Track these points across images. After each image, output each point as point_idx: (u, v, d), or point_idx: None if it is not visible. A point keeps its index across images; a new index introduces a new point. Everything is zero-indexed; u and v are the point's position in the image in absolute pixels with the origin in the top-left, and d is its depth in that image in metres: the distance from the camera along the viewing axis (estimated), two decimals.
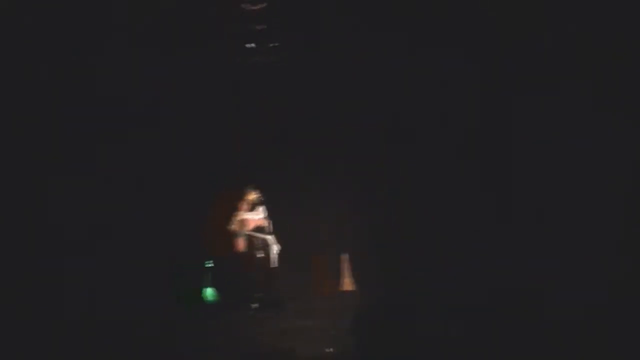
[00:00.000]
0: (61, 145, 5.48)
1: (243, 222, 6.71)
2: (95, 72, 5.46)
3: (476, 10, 5.04)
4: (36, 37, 5.11)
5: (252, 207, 6.74)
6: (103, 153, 5.76)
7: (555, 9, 4.94)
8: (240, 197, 6.74)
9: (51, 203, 5.37)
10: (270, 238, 6.75)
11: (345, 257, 6.90)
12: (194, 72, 6.04)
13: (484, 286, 5.32)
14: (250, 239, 6.71)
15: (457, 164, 5.55)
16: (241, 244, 6.68)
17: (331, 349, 5.74)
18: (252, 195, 6.74)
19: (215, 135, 6.62)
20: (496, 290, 5.19)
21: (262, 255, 6.68)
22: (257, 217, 6.75)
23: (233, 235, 6.71)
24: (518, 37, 5.19)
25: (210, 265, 6.90)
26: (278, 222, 6.83)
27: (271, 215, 6.79)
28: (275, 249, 6.73)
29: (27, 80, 5.19)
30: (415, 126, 5.83)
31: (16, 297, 4.92)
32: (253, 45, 5.64)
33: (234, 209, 6.75)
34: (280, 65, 6.04)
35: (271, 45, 5.68)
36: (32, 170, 5.32)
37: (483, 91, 5.46)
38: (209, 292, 6.82)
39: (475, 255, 5.47)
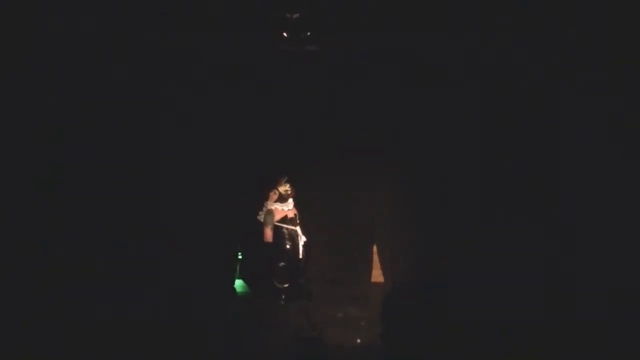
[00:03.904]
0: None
1: (271, 213, 6.73)
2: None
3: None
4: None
5: (281, 198, 6.76)
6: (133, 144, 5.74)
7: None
8: (270, 187, 6.76)
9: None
10: (297, 229, 6.76)
11: (375, 249, 6.89)
12: (226, 60, 6.01)
13: (511, 281, 5.29)
14: (278, 230, 6.72)
15: (491, 161, 5.51)
16: (269, 234, 6.69)
17: (359, 340, 5.77)
18: (282, 186, 6.76)
19: (246, 125, 6.59)
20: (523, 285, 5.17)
21: (289, 246, 6.69)
22: (285, 208, 6.76)
23: (261, 226, 6.73)
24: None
25: (239, 256, 6.90)
26: (307, 213, 6.85)
27: (300, 206, 6.81)
28: (302, 240, 6.74)
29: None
30: (451, 120, 5.79)
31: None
32: (285, 34, 5.61)
33: (263, 199, 6.77)
34: (313, 55, 5.99)
35: (304, 34, 5.65)
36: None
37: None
38: (238, 284, 6.84)
39: (503, 250, 5.43)
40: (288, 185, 6.76)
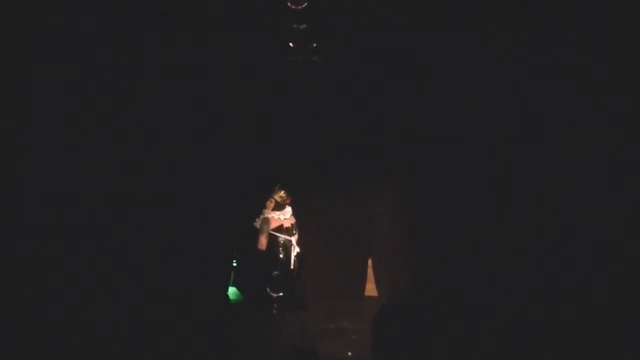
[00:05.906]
0: None
1: (267, 221, 6.73)
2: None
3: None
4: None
5: (279, 206, 6.77)
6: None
7: None
8: (267, 196, 6.77)
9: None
10: (292, 240, 6.77)
11: (370, 263, 6.90)
12: (230, 69, 6.02)
13: (509, 291, 5.28)
14: (273, 239, 6.72)
15: (487, 170, 5.50)
16: (263, 242, 6.69)
17: (350, 353, 5.75)
18: (277, 194, 6.77)
19: (247, 133, 6.61)
20: (521, 295, 5.15)
21: (282, 255, 6.69)
22: (282, 217, 6.77)
23: (256, 233, 6.73)
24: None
25: (234, 264, 6.90)
26: (304, 223, 6.85)
27: (296, 216, 6.81)
28: (296, 250, 6.75)
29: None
30: (446, 129, 5.79)
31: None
32: (291, 44, 5.63)
33: (260, 207, 6.78)
34: (319, 66, 6.01)
35: (311, 45, 5.67)
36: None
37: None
38: (231, 292, 6.83)
39: (500, 260, 5.41)
40: (282, 192, 6.78)
